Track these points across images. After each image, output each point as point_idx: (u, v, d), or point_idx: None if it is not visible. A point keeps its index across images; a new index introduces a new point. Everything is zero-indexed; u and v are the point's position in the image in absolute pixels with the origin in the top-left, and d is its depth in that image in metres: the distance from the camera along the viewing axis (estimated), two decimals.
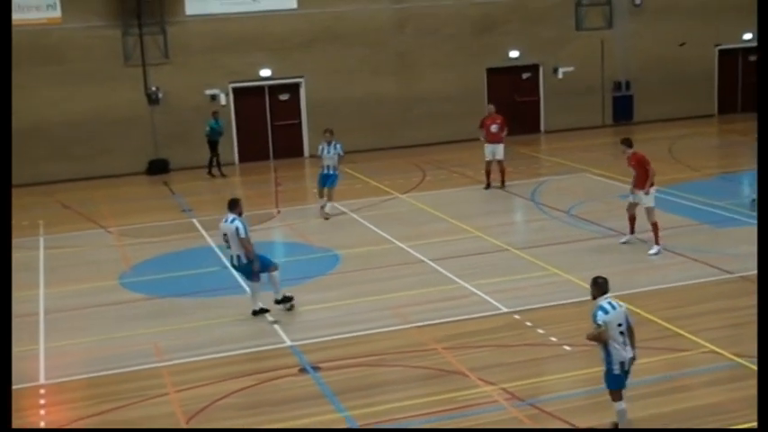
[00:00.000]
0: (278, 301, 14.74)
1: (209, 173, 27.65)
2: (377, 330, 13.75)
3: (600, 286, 10.07)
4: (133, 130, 28.70)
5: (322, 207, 21.30)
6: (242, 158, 30.08)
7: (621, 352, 9.88)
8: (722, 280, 15.29)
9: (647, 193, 17.06)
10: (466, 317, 14.11)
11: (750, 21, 33.88)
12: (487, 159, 23.47)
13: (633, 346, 10.01)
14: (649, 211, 17.15)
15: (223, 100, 29.55)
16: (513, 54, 32.06)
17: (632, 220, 17.67)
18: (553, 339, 12.98)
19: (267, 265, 14.59)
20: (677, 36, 33.16)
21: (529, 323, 13.67)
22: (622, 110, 33.27)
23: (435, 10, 30.99)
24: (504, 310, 14.35)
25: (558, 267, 16.31)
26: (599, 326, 9.73)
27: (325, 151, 21.17)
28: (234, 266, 14.80)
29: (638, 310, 13.87)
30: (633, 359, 10.02)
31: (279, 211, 22.59)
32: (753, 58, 34.94)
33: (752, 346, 12.28)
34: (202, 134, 28.12)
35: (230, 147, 29.91)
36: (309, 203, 23.40)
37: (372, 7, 30.45)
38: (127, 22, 28.38)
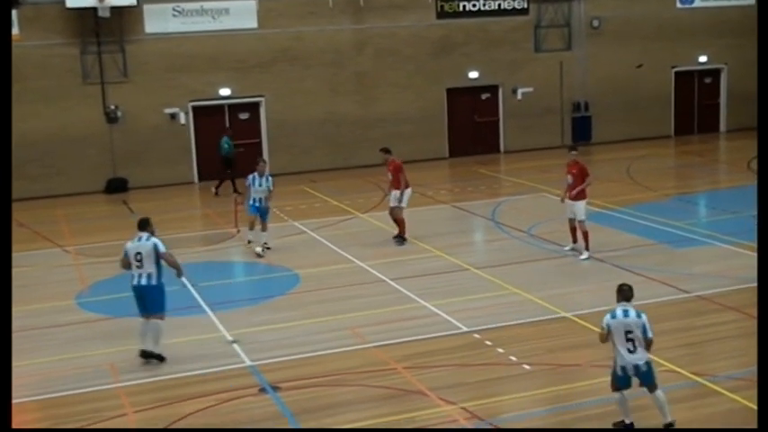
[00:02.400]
0: (145, 353, 13.47)
1: (232, 191, 26.75)
2: (337, 350, 13.69)
3: (623, 293, 10.70)
4: (92, 149, 28.48)
5: (249, 241, 20.08)
6: (201, 177, 29.93)
7: (625, 357, 10.32)
8: (679, 299, 15.42)
9: (579, 201, 17.87)
10: (426, 336, 14.09)
11: (705, 43, 34.60)
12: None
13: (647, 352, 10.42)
14: (581, 223, 18.13)
15: (183, 119, 29.42)
16: (473, 75, 32.27)
17: (573, 231, 18.42)
18: (513, 359, 13.00)
19: (161, 308, 13.70)
20: (635, 58, 33.61)
21: (489, 342, 13.68)
22: (581, 130, 33.57)
23: (395, 31, 31.14)
24: (465, 329, 14.35)
25: (518, 287, 16.36)
26: (602, 327, 10.47)
27: (257, 183, 19.65)
28: (140, 288, 13.67)
29: (598, 329, 13.90)
30: (638, 367, 10.35)
31: (238, 231, 22.46)
32: (708, 79, 35.54)
33: (710, 365, 12.42)
34: (161, 152, 27.94)
35: (189, 165, 29.78)
36: (269, 223, 23.23)
37: (332, 28, 30.52)
38: (85, 40, 28.20)
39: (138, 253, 13.78)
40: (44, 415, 11.99)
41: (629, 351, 10.35)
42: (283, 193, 27.20)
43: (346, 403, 11.89)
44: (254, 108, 30.40)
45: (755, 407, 10.87)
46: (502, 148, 33.03)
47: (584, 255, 18.10)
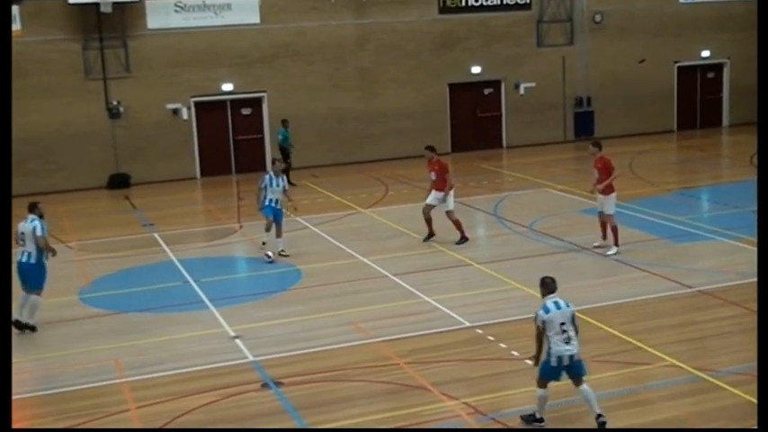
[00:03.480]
0: (18, 324, 14.63)
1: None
2: (339, 345, 13.71)
3: (547, 286, 10.78)
4: (94, 145, 28.51)
5: (264, 243, 19.10)
6: (204, 173, 29.97)
7: (561, 348, 10.38)
8: (682, 294, 15.42)
9: (606, 195, 17.72)
10: (428, 331, 14.10)
11: (708, 38, 34.56)
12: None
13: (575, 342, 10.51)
14: (610, 217, 17.83)
15: (185, 114, 29.44)
16: (475, 70, 32.26)
17: (603, 225, 18.21)
18: (515, 354, 13.01)
19: (39, 285, 14.95)
20: (637, 53, 33.59)
21: (491, 337, 13.70)
22: (583, 125, 33.57)
23: (397, 26, 31.13)
24: (467, 324, 14.36)
25: (521, 282, 16.36)
26: (537, 324, 10.53)
27: (274, 183, 18.81)
28: (21, 264, 14.84)
29: (600, 324, 13.97)
30: (573, 357, 10.42)
31: (241, 226, 22.50)
32: (711, 74, 35.50)
33: (711, 360, 12.44)
34: (163, 148, 27.99)
35: (192, 161, 29.81)
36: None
37: (334, 23, 30.51)
38: (87, 35, 28.21)
39: (22, 233, 14.94)
40: (47, 410, 12.01)
41: (565, 342, 10.44)
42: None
43: (349, 398, 11.90)
44: (256, 103, 30.41)
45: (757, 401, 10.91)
46: (504, 143, 33.04)
47: (613, 250, 17.89)
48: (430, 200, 19.65)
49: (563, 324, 10.43)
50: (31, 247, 14.80)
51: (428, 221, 19.71)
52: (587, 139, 32.64)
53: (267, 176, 18.98)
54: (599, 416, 10.44)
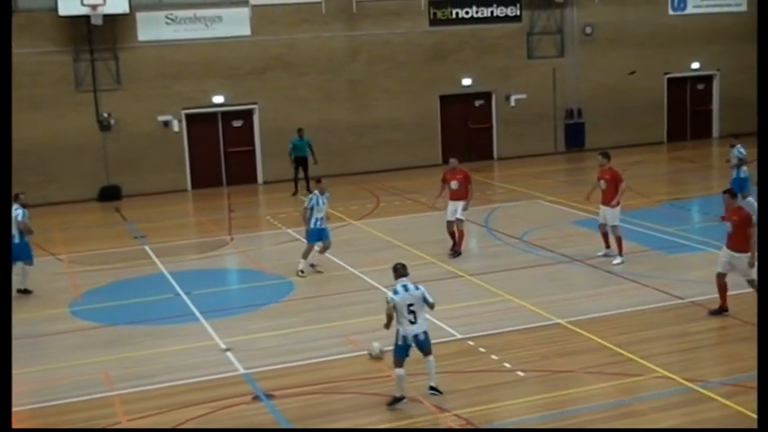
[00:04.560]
0: (18, 290, 17.79)
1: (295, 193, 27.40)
2: (331, 357, 13.69)
3: (397, 271, 12.13)
4: (84, 157, 28.45)
5: (312, 265, 18.74)
6: (195, 185, 29.93)
7: (407, 328, 11.65)
8: (673, 305, 15.44)
9: (613, 207, 17.90)
10: None
11: (697, 50, 34.71)
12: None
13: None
14: (615, 228, 18.07)
15: (176, 126, 29.42)
16: (466, 82, 32.33)
17: (605, 236, 18.37)
18: (507, 365, 13.00)
19: (27, 258, 18.03)
20: (627, 64, 33.69)
21: (482, 349, 13.69)
22: (574, 137, 33.65)
23: (388, 38, 31.19)
24: (458, 336, 14.35)
25: (512, 293, 16.37)
26: (387, 303, 11.74)
27: (320, 202, 18.39)
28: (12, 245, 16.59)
29: (591, 336, 13.97)
30: (417, 336, 11.72)
31: (232, 238, 22.47)
32: (701, 86, 35.65)
33: (703, 371, 12.45)
34: (154, 160, 28.00)
35: (183, 173, 29.78)
36: (263, 230, 23.31)
37: (325, 35, 30.55)
38: (78, 47, 28.19)
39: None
40: (37, 423, 11.96)
41: (411, 322, 11.65)
42: (277, 200, 27.28)
43: (341, 411, 11.87)
44: (247, 115, 30.41)
45: (749, 413, 10.93)
46: (495, 154, 33.09)
47: (618, 259, 18.03)
48: (453, 213, 19.37)
49: (411, 305, 11.66)
50: (14, 231, 17.34)
51: (453, 235, 19.54)
52: (578, 151, 32.93)
53: (314, 197, 18.43)
54: (431, 387, 11.91)
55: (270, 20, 29.96)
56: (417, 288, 11.82)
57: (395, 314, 11.71)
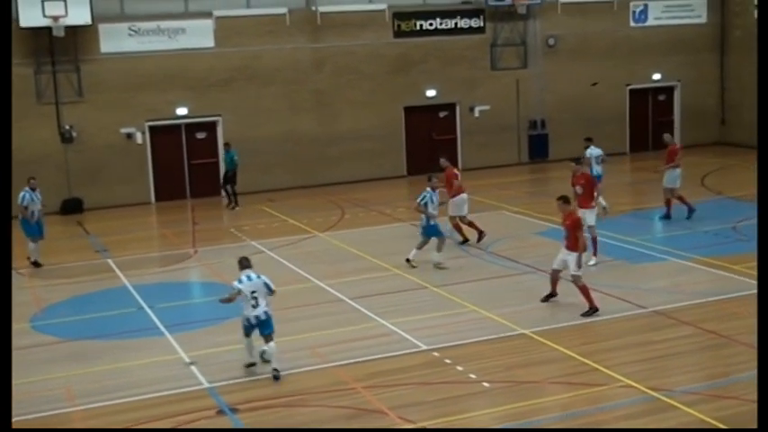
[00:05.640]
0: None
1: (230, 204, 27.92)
2: (296, 370, 13.63)
3: (241, 263, 13.76)
4: (46, 169, 28.10)
5: (408, 260, 19.32)
6: (158, 197, 29.72)
7: (251, 312, 13.33)
8: (636, 315, 15.54)
9: (591, 208, 18.58)
10: (385, 355, 14.08)
11: (659, 61, 35.07)
12: None
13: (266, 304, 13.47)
14: (592, 228, 18.55)
15: (139, 138, 29.23)
16: (430, 93, 32.42)
17: (594, 241, 18.82)
18: (472, 376, 13.02)
19: (28, 235, 21.03)
20: (590, 76, 33.96)
21: (448, 360, 13.70)
22: (538, 148, 33.83)
23: (352, 49, 31.22)
24: (424, 347, 14.35)
25: (477, 304, 16.40)
26: (233, 289, 13.39)
27: (435, 199, 18.90)
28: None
29: (555, 346, 14.03)
30: (258, 317, 13.34)
31: (196, 251, 22.34)
32: (662, 97, 35.99)
33: (666, 380, 12.54)
34: (117, 172, 27.84)
35: (146, 185, 29.58)
36: (226, 243, 23.18)
37: (290, 46, 30.52)
38: (40, 59, 27.93)
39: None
40: None
41: (253, 306, 13.32)
42: (241, 212, 27.17)
43: (306, 423, 11.83)
44: (211, 127, 30.28)
45: (712, 421, 11.02)
46: (460, 165, 33.06)
47: (593, 261, 18.54)
48: (458, 210, 21.23)
49: (254, 292, 13.29)
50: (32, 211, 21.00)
51: (458, 228, 21.26)
52: (542, 162, 33.11)
53: (427, 194, 18.98)
54: (274, 369, 13.25)
55: (234, 31, 29.88)
56: (259, 277, 13.47)
57: (239, 299, 13.44)
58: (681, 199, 22.71)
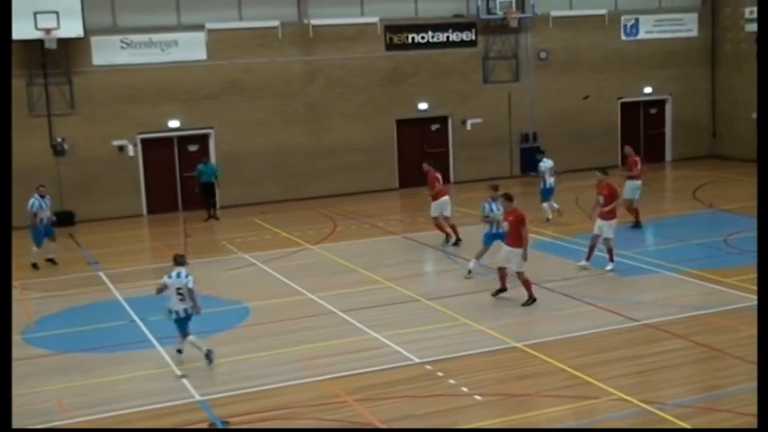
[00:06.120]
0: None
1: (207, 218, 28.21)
2: (288, 383, 13.60)
3: (176, 260, 14.66)
4: (38, 181, 27.95)
5: (470, 271, 19.54)
6: (150, 210, 29.70)
7: (176, 304, 14.27)
8: (628, 328, 15.55)
9: (610, 221, 19.09)
10: (377, 368, 14.06)
11: (650, 75, 35.22)
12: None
13: (194, 301, 14.41)
14: (608, 240, 19.16)
15: (131, 151, 29.21)
16: (423, 106, 32.50)
17: (593, 248, 19.41)
18: (465, 389, 13.00)
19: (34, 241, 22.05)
20: (581, 89, 34.09)
21: (440, 373, 13.68)
22: (529, 161, 33.82)
23: (344, 62, 31.28)
24: (416, 360, 14.33)
25: (469, 317, 16.40)
26: (159, 284, 14.51)
27: (495, 209, 19.14)
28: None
29: (547, 359, 14.03)
30: (179, 312, 14.33)
31: (187, 264, 22.22)
32: (653, 110, 36.12)
33: (658, 393, 12.54)
34: (109, 185, 27.82)
35: (138, 198, 29.55)
36: (219, 255, 23.17)
37: (282, 60, 30.58)
38: (32, 71, 27.93)
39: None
40: None
41: (179, 301, 14.27)
42: (233, 224, 27.15)
43: None
44: (203, 140, 30.27)
45: None
46: (452, 178, 33.20)
47: (609, 266, 19.08)
48: (434, 211, 22.72)
49: (179, 289, 14.25)
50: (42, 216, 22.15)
51: (440, 228, 22.82)
52: (534, 175, 33.10)
53: (487, 204, 19.29)
54: (208, 351, 14.30)
55: (226, 44, 29.93)
56: (187, 276, 14.36)
57: (167, 292, 14.44)
58: (634, 211, 23.43)
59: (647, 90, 35.60)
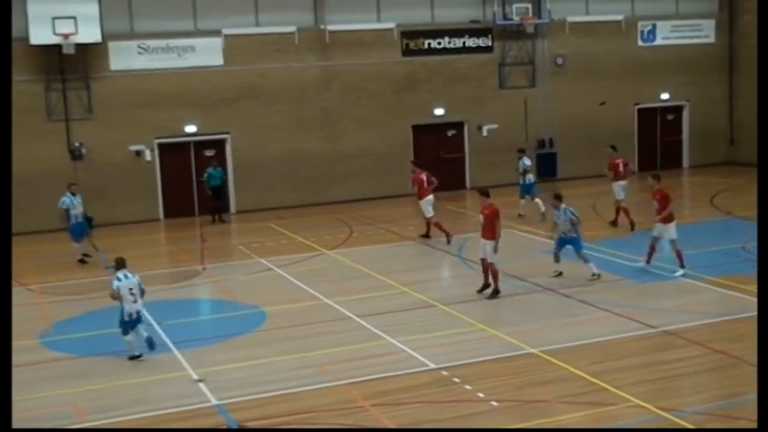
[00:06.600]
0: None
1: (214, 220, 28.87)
2: (304, 388, 13.60)
3: (117, 263, 15.39)
4: (55, 186, 28.08)
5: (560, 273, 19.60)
6: (167, 214, 29.80)
7: (131, 306, 15.03)
8: (645, 334, 15.48)
9: (666, 223, 19.33)
10: (393, 373, 14.04)
11: (667, 81, 35.11)
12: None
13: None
14: (674, 242, 19.35)
15: (148, 156, 29.32)
16: (439, 112, 32.49)
17: (652, 249, 19.72)
18: (481, 395, 12.97)
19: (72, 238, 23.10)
20: (598, 95, 34.01)
21: (456, 379, 13.66)
22: (546, 167, 33.83)
23: (360, 68, 31.33)
24: (432, 366, 14.31)
25: (485, 323, 16.37)
26: (113, 289, 15.07)
27: (556, 217, 19.68)
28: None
29: (564, 365, 13.98)
30: (139, 312, 15.17)
31: (204, 268, 22.35)
32: (670, 116, 36.02)
33: (676, 401, 12.48)
34: (126, 189, 27.93)
35: (155, 202, 29.65)
36: (236, 260, 23.21)
37: (298, 65, 30.64)
38: (50, 76, 28.10)
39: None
40: None
41: (133, 302, 15.03)
42: (250, 229, 27.22)
43: None
44: (219, 145, 30.36)
45: None
46: (468, 184, 33.18)
47: (680, 272, 19.11)
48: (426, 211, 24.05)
49: (131, 289, 15.00)
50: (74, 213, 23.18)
51: (438, 227, 23.99)
52: (551, 181, 33.06)
53: (555, 211, 19.72)
54: (149, 338, 15.10)
55: (242, 50, 30.02)
56: (134, 276, 15.27)
57: (119, 296, 15.03)
58: (625, 211, 24.40)
59: (664, 96, 35.51)
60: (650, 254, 19.74)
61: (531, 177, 26.95)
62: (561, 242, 19.53)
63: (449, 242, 23.40)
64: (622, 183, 24.85)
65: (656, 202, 19.75)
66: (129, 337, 15.15)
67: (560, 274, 19.42)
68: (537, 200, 26.60)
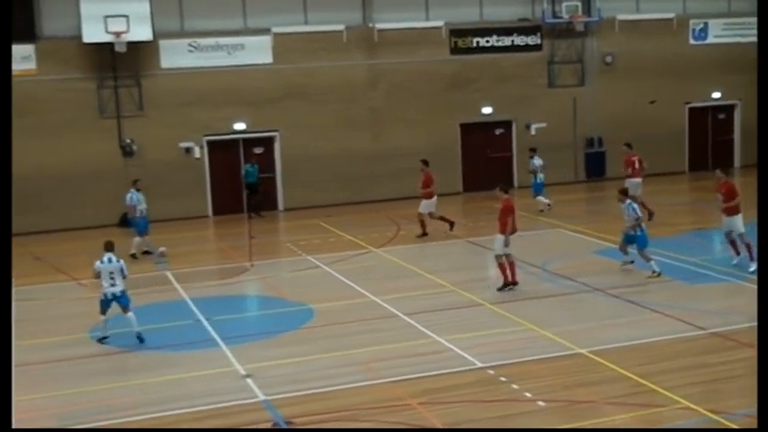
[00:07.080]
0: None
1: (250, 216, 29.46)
2: (351, 385, 13.64)
3: (106, 246, 16.20)
4: (107, 182, 28.57)
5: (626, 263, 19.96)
6: (216, 211, 30.03)
7: (108, 288, 15.90)
8: (694, 336, 15.32)
9: (733, 216, 19.36)
10: (440, 372, 14.03)
11: (718, 79, 34.65)
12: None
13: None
14: (742, 235, 19.30)
15: (197, 153, 29.57)
16: (486, 110, 32.39)
17: (733, 244, 19.71)
18: (528, 395, 12.93)
19: (138, 233, 23.71)
20: (648, 94, 33.68)
21: (503, 378, 13.62)
22: (595, 166, 33.60)
23: (407, 66, 31.32)
24: (479, 365, 14.29)
25: (533, 322, 16.30)
26: (93, 271, 16.09)
27: (635, 208, 19.62)
28: None
29: (613, 366, 13.88)
30: (115, 294, 15.99)
31: (252, 265, 22.50)
32: (722, 115, 35.57)
33: (726, 403, 12.34)
34: (176, 186, 28.27)
35: (204, 199, 29.91)
36: (283, 257, 23.34)
37: (345, 63, 30.71)
38: (102, 74, 28.45)
39: None
40: None
41: (111, 285, 15.86)
42: (297, 227, 27.36)
43: None
44: (268, 142, 30.54)
45: None
46: (516, 183, 33.03)
47: (753, 266, 18.76)
48: (423, 208, 24.67)
49: (112, 273, 15.86)
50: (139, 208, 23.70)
51: (422, 224, 24.76)
52: (599, 180, 32.81)
53: (627, 206, 19.58)
54: (138, 333, 15.85)
55: (291, 48, 30.15)
56: (118, 261, 16.04)
57: (99, 278, 15.91)
58: (642, 204, 23.88)
59: (716, 95, 35.07)
60: (735, 248, 19.73)
61: (541, 177, 27.58)
62: (628, 239, 19.56)
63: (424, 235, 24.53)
64: (637, 180, 25.13)
65: (720, 195, 19.66)
66: (103, 317, 16.05)
67: (632, 262, 19.73)
68: (539, 198, 27.46)
